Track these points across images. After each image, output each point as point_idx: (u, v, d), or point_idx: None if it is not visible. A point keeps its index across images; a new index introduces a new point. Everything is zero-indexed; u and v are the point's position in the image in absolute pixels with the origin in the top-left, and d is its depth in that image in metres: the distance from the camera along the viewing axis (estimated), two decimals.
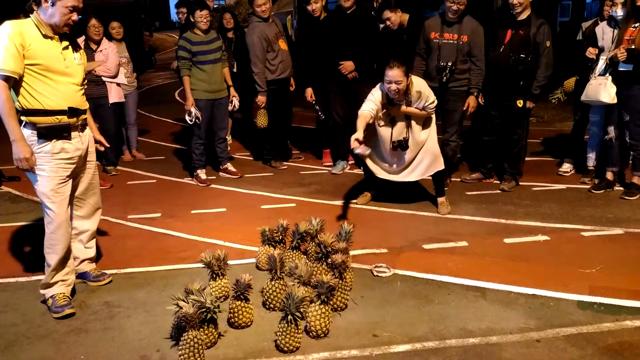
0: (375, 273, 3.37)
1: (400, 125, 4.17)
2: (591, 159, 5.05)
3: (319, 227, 3.37)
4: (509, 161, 4.91)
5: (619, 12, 4.48)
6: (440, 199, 4.44)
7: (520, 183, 4.97)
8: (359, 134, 3.71)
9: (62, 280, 3.02)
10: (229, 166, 5.54)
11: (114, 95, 5.55)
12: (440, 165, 4.31)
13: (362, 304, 3.01)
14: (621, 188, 4.75)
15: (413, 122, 4.17)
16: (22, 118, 2.82)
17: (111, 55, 5.41)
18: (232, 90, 5.33)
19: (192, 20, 5.07)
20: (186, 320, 2.45)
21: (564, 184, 5.03)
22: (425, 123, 4.24)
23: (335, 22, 5.24)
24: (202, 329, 2.55)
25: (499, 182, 5.01)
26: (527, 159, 5.12)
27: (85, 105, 3.01)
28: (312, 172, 5.64)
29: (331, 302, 2.82)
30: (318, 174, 5.58)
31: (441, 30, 4.63)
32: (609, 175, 4.79)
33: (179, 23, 8.32)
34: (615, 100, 4.48)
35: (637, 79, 4.35)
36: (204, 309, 2.51)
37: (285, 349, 2.55)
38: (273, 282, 2.93)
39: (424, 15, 5.37)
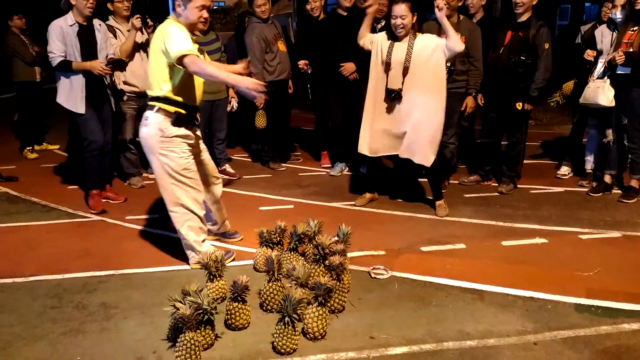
0: (372, 275, 3.36)
1: (397, 74, 4.12)
2: (589, 162, 5.06)
3: (317, 229, 3.37)
4: (508, 164, 4.91)
5: (619, 15, 4.49)
6: (438, 202, 4.43)
7: (518, 186, 4.97)
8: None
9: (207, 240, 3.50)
10: (227, 167, 5.54)
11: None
12: (426, 161, 4.20)
13: (359, 306, 3.00)
14: (619, 191, 4.76)
15: (411, 81, 4.09)
16: (157, 104, 3.19)
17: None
18: (231, 91, 5.32)
19: None
20: (183, 321, 2.44)
21: (562, 186, 5.04)
22: (429, 101, 4.12)
23: (334, 24, 5.23)
24: (199, 331, 2.54)
25: (497, 184, 5.01)
26: (525, 161, 5.13)
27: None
28: (310, 173, 5.64)
29: (329, 304, 2.82)
30: (316, 175, 5.57)
31: (438, 32, 4.63)
32: (607, 179, 4.80)
33: None
34: (613, 104, 4.48)
35: (635, 82, 4.36)
36: (201, 311, 2.50)
37: (283, 350, 2.54)
38: (270, 284, 2.92)
39: (424, 17, 5.38)
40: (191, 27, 3.21)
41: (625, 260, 3.52)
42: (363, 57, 4.83)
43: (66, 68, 4.25)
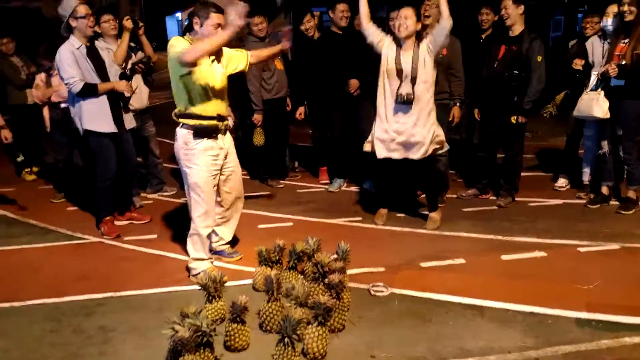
0: (372, 292, 3.35)
1: (406, 80, 4.13)
2: (586, 174, 5.07)
3: (316, 246, 3.36)
4: (505, 177, 4.93)
5: (609, 23, 4.51)
6: (431, 214, 4.44)
7: (516, 199, 4.97)
8: None
9: (208, 259, 3.60)
10: None
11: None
12: (421, 155, 4.18)
13: (359, 324, 2.99)
14: (617, 202, 4.76)
15: (418, 85, 4.12)
16: (181, 120, 3.43)
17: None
18: (228, 109, 5.33)
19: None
20: (182, 344, 2.43)
21: (560, 199, 5.04)
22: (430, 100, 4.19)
23: (332, 42, 5.26)
24: (198, 353, 2.51)
25: (495, 197, 5.02)
26: (522, 174, 5.14)
27: (227, 112, 3.61)
28: (308, 190, 5.64)
29: (328, 323, 2.80)
30: (315, 192, 5.58)
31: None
32: (604, 190, 4.80)
33: None
34: (608, 115, 4.50)
35: (629, 94, 4.39)
36: (199, 333, 2.48)
37: None
38: (270, 304, 2.91)
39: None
40: None
41: (624, 272, 3.52)
42: (362, 74, 4.87)
43: (91, 91, 4.18)
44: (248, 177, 6.17)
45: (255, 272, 3.45)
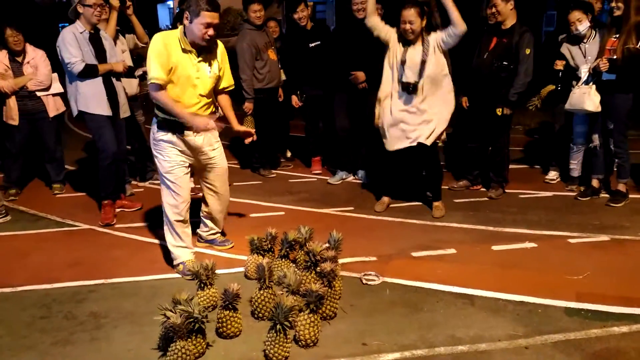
0: (364, 281, 3.37)
1: (412, 71, 4.17)
2: (575, 167, 5.11)
3: (308, 235, 3.37)
4: (494, 169, 4.96)
5: (581, 28, 4.57)
6: (436, 203, 4.50)
7: (507, 191, 5.01)
8: None
9: (185, 246, 3.54)
10: None
11: (52, 108, 5.07)
12: (426, 140, 4.25)
13: (351, 313, 3.00)
14: (607, 195, 4.80)
15: (426, 77, 4.16)
16: (155, 111, 3.38)
17: (40, 65, 4.99)
18: None
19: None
20: (174, 330, 2.43)
21: (551, 191, 5.08)
22: (437, 94, 4.24)
23: (347, 32, 5.19)
24: (190, 339, 2.52)
25: (485, 189, 5.05)
26: (513, 166, 5.17)
27: (206, 112, 3.43)
28: (300, 180, 5.64)
29: (320, 311, 2.81)
30: (307, 182, 5.57)
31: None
32: (595, 183, 4.84)
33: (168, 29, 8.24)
34: (599, 109, 4.53)
35: (620, 88, 4.42)
36: (191, 319, 2.49)
37: (274, 358, 2.53)
38: (262, 291, 2.92)
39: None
40: (194, 42, 3.25)
41: (613, 263, 3.56)
42: (371, 68, 4.83)
43: (92, 72, 4.21)
44: (239, 167, 6.17)
45: (247, 260, 3.45)
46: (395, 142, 4.36)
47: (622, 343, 2.67)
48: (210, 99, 3.46)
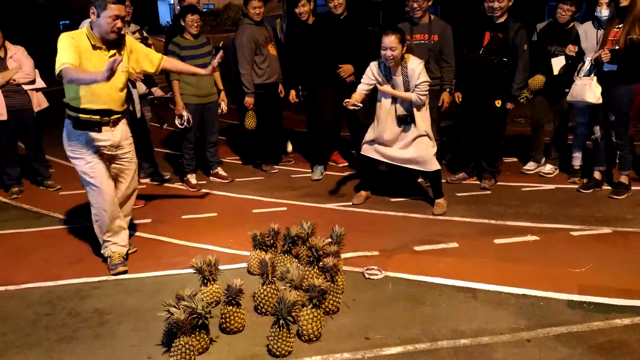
0: (366, 275, 3.38)
1: (404, 104, 4.21)
2: (577, 159, 5.10)
3: (310, 230, 3.37)
4: (488, 160, 4.99)
5: (604, 13, 4.52)
6: (438, 200, 4.48)
7: (509, 183, 5.01)
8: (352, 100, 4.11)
9: (114, 243, 3.51)
10: (220, 170, 5.53)
11: (36, 103, 5.08)
12: (435, 167, 4.34)
13: (354, 307, 3.01)
14: (609, 187, 4.80)
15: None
16: (66, 110, 3.32)
17: (24, 59, 4.97)
18: (222, 94, 5.32)
19: (183, 24, 5.05)
20: (177, 326, 2.44)
21: (553, 184, 5.08)
22: (423, 115, 4.28)
23: (329, 26, 5.20)
24: (193, 335, 2.54)
25: (478, 181, 5.08)
26: (515, 159, 5.16)
27: (121, 107, 3.42)
28: (302, 175, 5.64)
29: (323, 306, 2.83)
30: (309, 177, 5.57)
31: (411, 32, 4.69)
32: (597, 175, 4.84)
33: (168, 27, 8.20)
34: (600, 101, 4.52)
35: (621, 79, 4.40)
36: (195, 315, 2.50)
37: (278, 353, 2.54)
38: (265, 287, 2.93)
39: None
40: (104, 37, 3.20)
41: (616, 256, 3.56)
42: (358, 61, 4.84)
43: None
44: (240, 163, 6.18)
45: (250, 256, 3.46)
46: (373, 152, 4.46)
47: (624, 335, 2.67)
48: (124, 92, 3.44)
